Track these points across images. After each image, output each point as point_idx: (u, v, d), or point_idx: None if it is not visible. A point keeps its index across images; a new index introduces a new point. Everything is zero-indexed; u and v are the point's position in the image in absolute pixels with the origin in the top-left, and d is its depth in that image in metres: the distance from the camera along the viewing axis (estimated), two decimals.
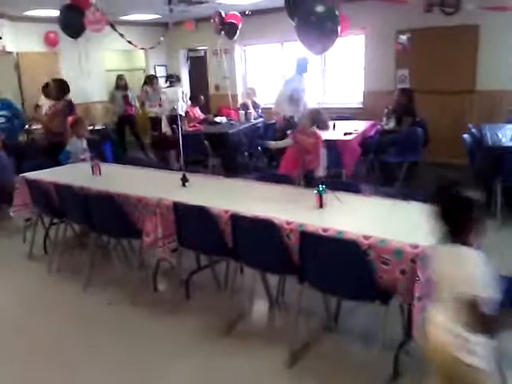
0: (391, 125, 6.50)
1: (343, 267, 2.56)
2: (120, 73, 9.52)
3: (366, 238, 2.52)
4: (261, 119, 8.49)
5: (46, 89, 7.00)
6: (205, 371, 2.88)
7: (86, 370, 2.94)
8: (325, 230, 2.67)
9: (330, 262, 2.60)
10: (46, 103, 6.77)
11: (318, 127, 4.32)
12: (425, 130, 6.35)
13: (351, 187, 3.54)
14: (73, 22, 4.53)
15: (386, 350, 2.65)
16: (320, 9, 3.01)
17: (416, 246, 2.39)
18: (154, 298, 3.80)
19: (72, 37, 4.57)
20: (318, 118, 4.27)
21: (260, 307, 3.69)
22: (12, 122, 6.17)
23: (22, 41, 8.47)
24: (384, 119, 6.79)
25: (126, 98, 9.10)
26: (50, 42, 8.79)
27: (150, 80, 9.17)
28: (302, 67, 6.60)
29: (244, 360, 2.94)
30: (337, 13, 3.04)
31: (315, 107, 5.65)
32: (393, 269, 2.44)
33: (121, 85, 9.11)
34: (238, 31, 7.75)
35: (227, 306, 3.40)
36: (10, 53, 8.23)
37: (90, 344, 3.20)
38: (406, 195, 3.24)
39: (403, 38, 7.61)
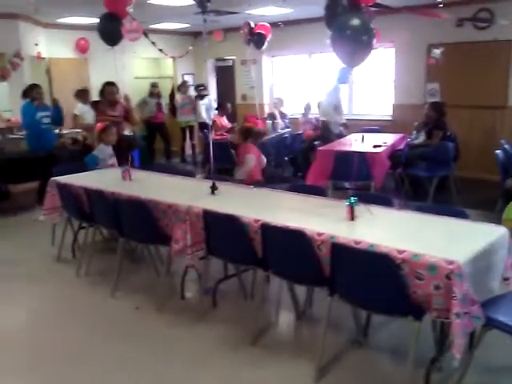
0: (421, 138, 6.43)
1: (376, 281, 2.51)
2: (152, 80, 9.69)
3: (400, 252, 2.47)
4: (288, 129, 8.50)
5: (81, 94, 7.11)
6: (231, 382, 2.85)
7: (111, 374, 2.95)
8: (357, 243, 2.63)
9: (362, 275, 2.56)
10: (85, 110, 6.85)
11: None
12: (456, 145, 6.26)
13: (382, 200, 3.50)
14: (111, 31, 4.62)
15: (417, 366, 2.58)
16: (356, 22, 3.00)
17: (451, 262, 2.33)
18: (180, 305, 3.81)
19: (110, 44, 4.67)
20: None
21: (287, 318, 3.65)
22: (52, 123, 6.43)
23: (53, 47, 8.68)
24: (414, 133, 6.72)
25: (159, 105, 9.23)
26: (81, 48, 8.98)
27: (183, 87, 9.28)
28: (343, 77, 6.73)
29: (270, 372, 2.91)
30: (372, 26, 3.03)
31: None
32: (427, 284, 2.39)
33: (154, 92, 9.26)
34: (266, 42, 7.79)
35: (254, 315, 3.38)
36: (43, 59, 8.43)
37: (116, 349, 3.20)
38: (438, 210, 3.19)
39: (437, 51, 7.54)
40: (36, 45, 7.25)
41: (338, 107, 7.11)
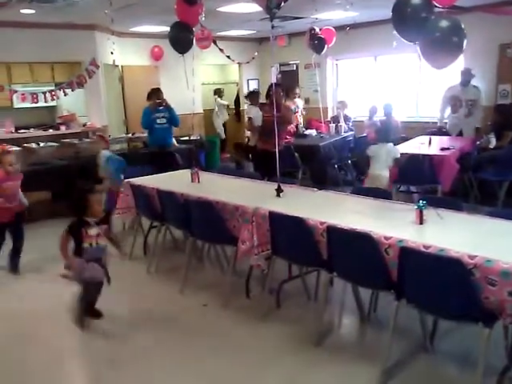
0: (492, 141, 6.20)
1: (446, 286, 2.48)
2: (218, 86, 9.97)
3: (472, 257, 2.43)
4: (351, 132, 8.45)
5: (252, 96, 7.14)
6: (293, 382, 2.90)
7: (176, 370, 3.06)
8: (426, 247, 2.61)
9: (432, 280, 2.53)
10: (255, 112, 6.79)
11: None
12: None
13: (451, 204, 3.43)
14: (182, 39, 4.80)
15: (487, 376, 2.52)
16: (445, 23, 2.96)
17: None
18: (245, 303, 3.90)
19: (180, 52, 4.84)
20: None
21: (350, 321, 3.66)
22: (169, 123, 6.74)
23: (126, 55, 9.11)
24: (484, 135, 6.49)
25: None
26: (156, 56, 9.36)
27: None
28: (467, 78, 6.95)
29: (333, 373, 2.93)
30: (463, 26, 2.97)
31: None
32: (500, 290, 2.34)
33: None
34: (327, 46, 7.77)
35: (317, 317, 3.41)
36: (116, 66, 8.88)
37: (181, 345, 3.32)
38: (510, 215, 3.09)
39: None
40: (111, 53, 7.66)
41: None
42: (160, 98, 6.67)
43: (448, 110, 7.18)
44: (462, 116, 6.91)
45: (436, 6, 3.07)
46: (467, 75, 6.99)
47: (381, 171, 5.16)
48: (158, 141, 6.74)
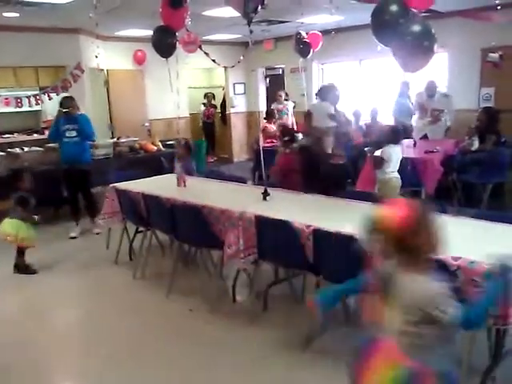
0: (476, 144, 6.28)
1: None
2: (205, 90, 9.98)
3: (455, 258, 2.46)
4: None
5: None
6: None
7: (163, 375, 3.05)
8: None
9: None
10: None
11: None
12: (511, 150, 6.06)
13: (435, 207, 3.45)
14: (165, 43, 4.79)
15: (471, 376, 2.56)
16: (417, 28, 3.00)
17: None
18: (232, 308, 3.91)
19: (164, 56, 4.82)
20: None
21: (337, 324, 3.67)
22: (80, 135, 5.83)
23: (111, 59, 9.06)
24: (466, 138, 6.57)
25: None
26: (138, 60, 9.33)
27: (280, 97, 9.40)
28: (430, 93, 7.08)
29: (321, 376, 2.94)
30: (433, 31, 3.01)
31: None
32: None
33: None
34: (312, 51, 7.81)
35: (304, 320, 3.42)
36: (102, 70, 8.82)
37: (169, 350, 3.31)
38: (494, 217, 3.13)
39: (494, 55, 7.36)
40: (96, 57, 7.63)
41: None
42: (69, 107, 5.76)
43: (416, 114, 7.39)
44: (427, 122, 7.11)
45: (412, 11, 3.11)
46: (430, 89, 7.15)
47: (395, 174, 4.95)
48: (68, 156, 5.83)
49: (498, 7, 6.38)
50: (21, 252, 4.76)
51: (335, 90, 5.56)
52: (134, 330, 3.63)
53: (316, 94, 6.06)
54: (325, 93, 5.70)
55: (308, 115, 5.65)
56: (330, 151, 5.24)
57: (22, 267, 4.76)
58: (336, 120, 5.32)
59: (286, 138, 5.09)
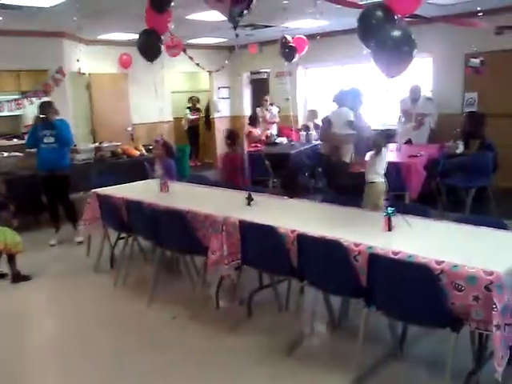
0: (460, 148, 6.31)
1: (414, 292, 2.49)
2: (190, 94, 9.93)
3: (439, 262, 2.45)
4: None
5: None
6: None
7: None
8: (395, 253, 2.62)
9: (400, 286, 2.54)
10: None
11: None
12: (494, 155, 6.11)
13: (419, 211, 3.46)
14: (150, 47, 4.73)
15: (455, 379, 2.54)
16: (397, 33, 3.00)
17: (490, 273, 2.30)
18: (215, 314, 3.85)
19: (149, 60, 4.76)
20: None
21: (322, 329, 3.64)
22: (58, 142, 5.69)
23: (94, 63, 8.95)
24: (451, 141, 6.61)
25: None
26: (124, 63, 9.21)
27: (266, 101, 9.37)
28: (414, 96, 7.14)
29: (305, 383, 2.91)
30: (413, 36, 3.01)
31: None
32: (466, 295, 2.36)
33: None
34: (297, 55, 7.82)
35: (289, 326, 3.39)
36: (83, 74, 8.71)
37: (152, 359, 3.25)
38: (477, 221, 3.13)
39: (475, 61, 7.44)
40: (77, 61, 7.54)
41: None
42: (47, 112, 5.60)
43: (401, 119, 7.47)
44: (411, 128, 7.18)
45: (396, 15, 3.11)
46: (415, 93, 7.24)
47: (381, 178, 4.63)
48: (46, 163, 5.70)
49: (480, 14, 6.48)
50: (11, 260, 4.62)
51: (356, 94, 5.33)
52: (115, 340, 3.55)
53: (333, 100, 5.75)
54: (342, 98, 5.46)
55: (327, 123, 5.54)
56: (349, 159, 5.07)
57: (17, 276, 4.64)
58: (355, 126, 5.13)
59: (229, 141, 5.42)
